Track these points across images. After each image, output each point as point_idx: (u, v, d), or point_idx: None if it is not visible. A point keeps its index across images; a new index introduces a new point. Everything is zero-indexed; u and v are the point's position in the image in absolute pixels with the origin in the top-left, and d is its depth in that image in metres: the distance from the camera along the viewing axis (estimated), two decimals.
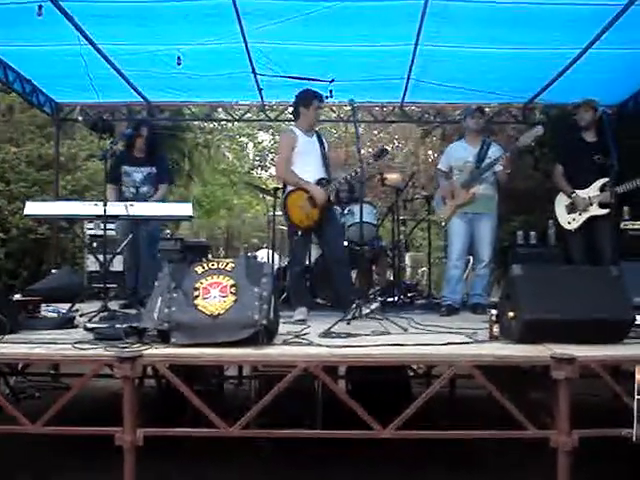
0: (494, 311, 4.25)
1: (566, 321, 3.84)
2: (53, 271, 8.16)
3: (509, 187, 6.91)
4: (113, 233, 6.61)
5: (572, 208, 6.34)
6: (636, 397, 3.37)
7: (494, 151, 6.37)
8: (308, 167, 5.84)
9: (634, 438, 3.37)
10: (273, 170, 29.28)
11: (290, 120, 12.17)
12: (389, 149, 6.25)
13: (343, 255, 6.05)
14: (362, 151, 5.98)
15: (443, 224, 6.68)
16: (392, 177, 7.23)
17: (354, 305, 5.13)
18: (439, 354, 3.77)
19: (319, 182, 5.82)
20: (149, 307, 3.91)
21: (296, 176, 5.83)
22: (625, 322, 3.97)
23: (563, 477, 3.42)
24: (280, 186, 8.02)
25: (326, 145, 6.10)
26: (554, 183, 6.64)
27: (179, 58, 7.16)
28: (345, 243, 6.61)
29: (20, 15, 6.17)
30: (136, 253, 6.69)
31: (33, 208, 5.68)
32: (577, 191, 6.30)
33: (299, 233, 5.82)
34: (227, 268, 3.97)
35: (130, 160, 6.77)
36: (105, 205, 5.32)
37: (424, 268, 11.63)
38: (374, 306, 5.36)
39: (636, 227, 7.48)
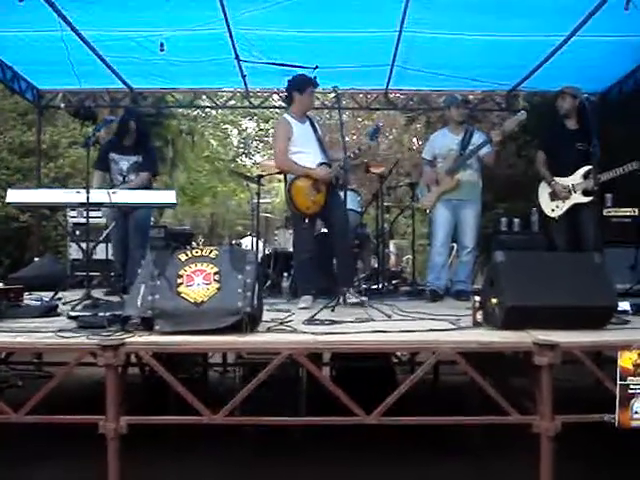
0: (477, 298, 4.26)
1: (549, 307, 3.85)
2: (36, 259, 8.13)
3: (493, 174, 6.92)
4: (96, 221, 6.58)
5: (555, 195, 6.36)
6: (618, 383, 3.39)
7: (477, 138, 6.42)
8: (307, 154, 5.81)
9: (616, 423, 3.40)
10: (257, 157, 29.30)
11: (274, 107, 12.16)
12: (381, 124, 6.22)
13: (348, 242, 6.03)
14: (347, 138, 5.94)
15: (427, 211, 6.69)
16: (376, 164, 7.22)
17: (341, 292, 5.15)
18: (422, 341, 3.78)
19: (320, 166, 5.80)
20: (132, 295, 3.89)
21: (296, 164, 5.80)
22: (608, 308, 3.99)
23: (546, 462, 3.44)
24: (264, 173, 8.03)
25: (319, 129, 6.06)
26: (536, 170, 6.66)
27: (162, 44, 7.12)
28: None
29: (0, 1, 6.11)
30: (123, 241, 6.68)
31: (15, 196, 5.64)
32: (561, 179, 6.30)
33: (306, 220, 5.80)
34: (211, 255, 3.95)
35: (118, 148, 6.76)
36: (88, 193, 5.28)
37: (408, 255, 11.65)
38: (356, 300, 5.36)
39: (619, 214, 7.56)
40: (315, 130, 5.97)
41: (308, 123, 5.97)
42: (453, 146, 6.46)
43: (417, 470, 4.34)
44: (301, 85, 5.93)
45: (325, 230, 6.27)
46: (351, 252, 6.13)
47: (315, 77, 6.13)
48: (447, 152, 6.47)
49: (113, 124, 6.74)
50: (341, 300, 5.15)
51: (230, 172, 22.76)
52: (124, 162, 6.77)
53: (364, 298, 5.39)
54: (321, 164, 5.80)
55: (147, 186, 6.86)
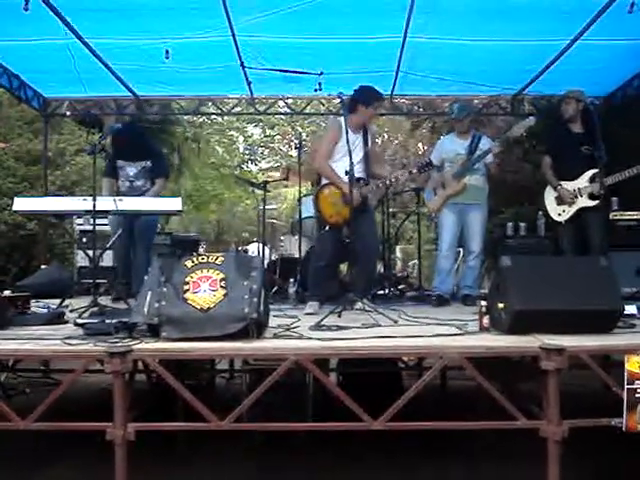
0: (484, 302, 4.26)
1: (556, 311, 3.85)
2: (42, 267, 8.15)
3: (499, 179, 6.91)
4: (103, 228, 6.60)
5: (561, 200, 6.35)
6: (626, 387, 3.38)
7: (484, 143, 6.44)
8: (348, 164, 5.65)
9: (624, 427, 3.39)
10: (263, 164, 29.33)
11: (279, 113, 12.19)
12: (433, 162, 6.25)
13: (374, 256, 6.02)
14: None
15: (433, 215, 6.70)
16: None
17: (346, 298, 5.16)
18: (429, 346, 3.78)
19: (356, 181, 5.63)
20: (139, 301, 3.89)
21: (333, 172, 5.75)
22: (614, 312, 3.98)
23: (553, 466, 3.43)
24: (270, 180, 8.04)
25: (370, 142, 5.98)
26: (542, 175, 6.66)
27: (167, 52, 7.14)
28: None
29: (6, 9, 6.12)
30: (127, 247, 6.68)
31: (22, 204, 5.66)
32: (566, 183, 6.30)
33: (327, 228, 5.78)
34: (217, 262, 3.96)
35: (123, 155, 6.77)
36: (94, 200, 5.29)
37: (414, 260, 11.65)
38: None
39: (625, 218, 7.54)
40: (365, 143, 5.90)
41: (361, 134, 5.90)
42: (461, 150, 6.48)
43: (423, 475, 4.33)
44: (370, 99, 5.87)
45: None
46: (374, 269, 6.11)
47: (320, 83, 6.13)
48: (454, 156, 6.49)
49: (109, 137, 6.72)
50: (347, 305, 5.15)
51: (236, 178, 22.79)
52: (131, 168, 6.77)
53: (380, 310, 5.38)
54: (357, 179, 5.63)
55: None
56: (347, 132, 5.41)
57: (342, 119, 5.80)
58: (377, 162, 6.07)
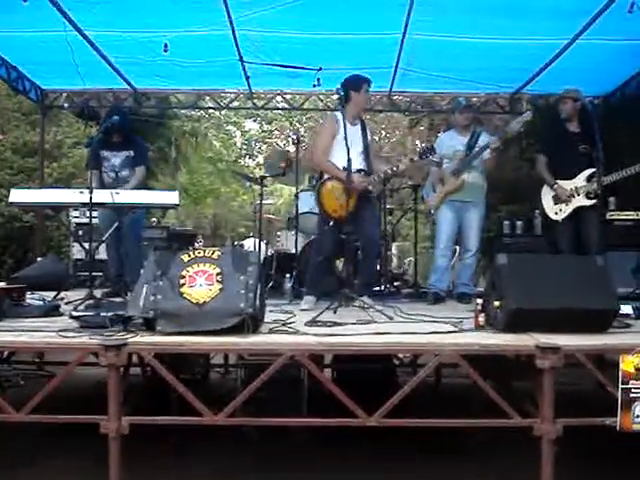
0: (480, 300, 4.26)
1: (551, 310, 3.85)
2: (38, 259, 8.14)
3: (496, 177, 6.91)
4: (98, 221, 6.59)
5: (558, 198, 6.35)
6: (620, 386, 3.39)
7: (484, 140, 6.42)
8: (348, 157, 5.50)
9: (618, 427, 3.39)
10: (260, 159, 29.27)
11: (277, 108, 12.19)
12: (435, 147, 6.03)
13: (377, 249, 5.98)
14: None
15: (432, 211, 6.69)
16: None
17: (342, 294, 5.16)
18: (425, 343, 3.78)
19: (357, 172, 5.61)
20: (134, 295, 3.89)
21: (333, 165, 5.66)
22: (610, 312, 3.99)
23: (547, 465, 3.44)
24: (267, 175, 8.01)
25: (369, 135, 5.93)
26: (537, 174, 6.65)
27: (166, 45, 7.13)
28: None
29: (5, 1, 6.12)
30: (119, 242, 6.64)
31: (18, 196, 5.64)
32: (564, 182, 6.30)
33: (330, 223, 5.70)
34: (213, 256, 3.95)
35: (108, 145, 6.69)
36: (91, 193, 5.27)
37: (410, 258, 11.63)
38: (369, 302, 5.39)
39: (622, 217, 7.55)
40: (364, 135, 5.83)
41: (359, 126, 5.84)
42: (459, 147, 6.46)
43: (418, 473, 4.33)
44: (358, 83, 5.78)
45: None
46: (376, 263, 6.10)
47: (319, 79, 6.09)
48: (453, 153, 6.47)
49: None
50: (343, 302, 5.15)
51: (233, 173, 22.79)
52: (116, 158, 6.73)
53: (379, 307, 5.36)
54: (358, 171, 5.63)
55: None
56: (345, 126, 5.44)
57: (338, 113, 5.81)
58: (376, 156, 6.00)
